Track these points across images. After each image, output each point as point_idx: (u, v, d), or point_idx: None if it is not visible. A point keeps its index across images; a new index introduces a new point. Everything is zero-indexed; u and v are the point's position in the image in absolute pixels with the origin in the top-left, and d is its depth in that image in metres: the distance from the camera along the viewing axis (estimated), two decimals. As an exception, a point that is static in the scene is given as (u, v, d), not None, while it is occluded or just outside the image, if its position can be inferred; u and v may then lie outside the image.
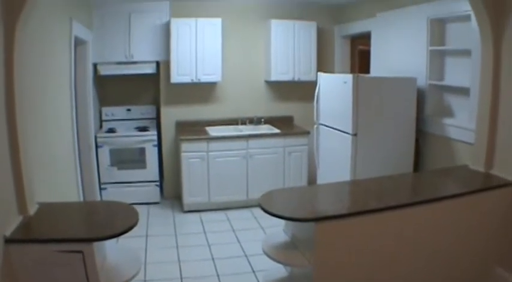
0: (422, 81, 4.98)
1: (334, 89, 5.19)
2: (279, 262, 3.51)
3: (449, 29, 4.84)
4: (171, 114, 6.64)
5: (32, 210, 2.97)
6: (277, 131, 6.45)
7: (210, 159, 6.06)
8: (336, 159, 5.22)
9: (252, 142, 6.19)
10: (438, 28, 4.88)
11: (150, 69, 6.40)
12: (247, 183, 6.23)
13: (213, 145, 6.06)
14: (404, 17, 5.27)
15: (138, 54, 6.29)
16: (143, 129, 6.57)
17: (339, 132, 5.08)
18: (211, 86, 6.68)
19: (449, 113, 4.89)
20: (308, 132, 6.43)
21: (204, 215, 6.01)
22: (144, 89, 6.94)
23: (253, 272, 4.38)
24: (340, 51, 7.14)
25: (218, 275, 4.32)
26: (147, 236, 5.27)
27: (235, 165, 6.16)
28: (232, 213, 6.06)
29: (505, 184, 3.73)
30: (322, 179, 5.66)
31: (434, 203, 3.44)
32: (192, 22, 6.18)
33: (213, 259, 4.67)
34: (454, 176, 4.18)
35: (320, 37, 6.85)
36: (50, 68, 4.01)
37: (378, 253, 3.34)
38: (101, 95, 6.68)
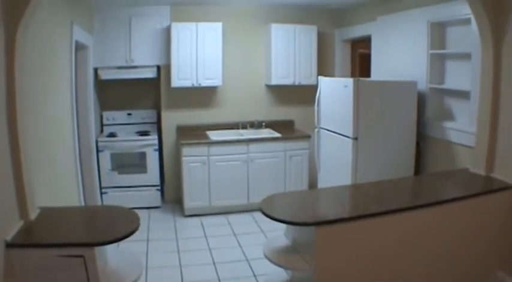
0: (422, 84, 4.99)
1: (335, 93, 5.19)
2: (280, 266, 3.50)
3: (450, 33, 4.85)
4: (171, 119, 6.64)
5: (33, 214, 2.97)
6: (278, 135, 6.45)
7: (211, 164, 6.06)
8: (336, 163, 5.22)
9: (253, 146, 6.19)
10: (438, 32, 4.88)
11: (150, 73, 6.40)
12: (248, 187, 6.23)
13: (214, 149, 6.06)
14: (404, 20, 5.28)
15: (139, 58, 6.29)
16: (144, 133, 6.57)
17: (340, 136, 5.08)
18: (211, 90, 6.68)
19: (449, 116, 4.90)
20: (309, 136, 6.43)
21: (205, 219, 6.01)
22: (144, 94, 6.95)
23: (255, 276, 4.37)
24: (341, 55, 7.15)
25: (219, 279, 4.31)
26: (148, 240, 5.27)
27: (236, 169, 6.16)
28: (233, 218, 6.05)
29: (506, 187, 3.73)
30: (323, 183, 5.65)
31: (435, 206, 3.43)
32: (192, 26, 6.19)
33: (214, 263, 4.66)
34: (454, 179, 4.18)
35: (320, 41, 6.85)
36: (50, 72, 4.02)
37: (379, 257, 3.34)
38: (102, 100, 6.69)
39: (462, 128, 4.53)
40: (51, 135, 3.97)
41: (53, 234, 2.86)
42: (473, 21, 4.04)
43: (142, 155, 6.35)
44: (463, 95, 4.58)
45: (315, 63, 6.76)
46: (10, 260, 2.60)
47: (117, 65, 6.27)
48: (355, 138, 4.81)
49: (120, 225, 3.02)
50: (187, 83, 6.29)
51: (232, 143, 6.14)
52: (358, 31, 6.49)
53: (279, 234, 3.87)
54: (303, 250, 3.41)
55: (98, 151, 6.10)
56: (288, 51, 6.61)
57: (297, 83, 6.70)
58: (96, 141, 6.08)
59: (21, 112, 2.81)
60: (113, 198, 6.18)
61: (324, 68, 6.96)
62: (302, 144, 6.44)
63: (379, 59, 5.94)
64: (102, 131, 6.67)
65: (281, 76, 6.64)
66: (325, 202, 3.81)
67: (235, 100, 6.83)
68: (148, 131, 6.68)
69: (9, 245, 2.60)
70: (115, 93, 6.78)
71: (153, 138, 6.39)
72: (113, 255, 3.26)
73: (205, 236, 5.42)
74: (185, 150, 5.98)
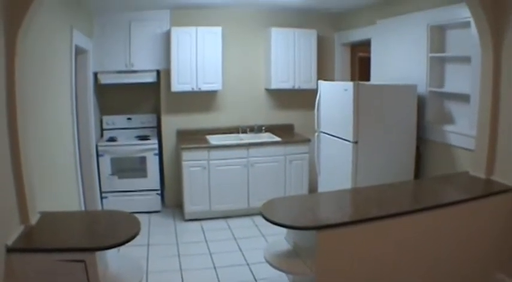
0: (422, 88, 4.99)
1: (335, 96, 5.20)
2: (281, 270, 3.50)
3: (449, 36, 4.86)
4: (171, 123, 6.64)
5: (34, 219, 2.97)
6: (277, 139, 6.45)
7: (211, 168, 6.05)
8: (336, 167, 5.22)
9: (253, 150, 6.19)
10: (438, 35, 4.89)
11: (150, 78, 6.41)
12: (248, 191, 6.22)
13: (214, 154, 6.05)
14: (404, 24, 5.29)
15: (139, 63, 6.30)
16: (144, 138, 6.57)
17: (340, 140, 5.08)
18: (211, 94, 6.69)
19: (449, 119, 4.90)
20: (309, 140, 6.43)
21: (205, 223, 6.00)
22: (144, 98, 6.95)
23: (255, 280, 4.36)
24: (340, 59, 7.16)
25: (220, 284, 4.32)
26: (148, 244, 5.26)
27: (236, 173, 6.15)
28: (233, 222, 6.05)
29: (506, 190, 3.73)
30: (323, 187, 5.65)
31: (436, 210, 3.44)
32: (192, 31, 6.20)
33: (214, 268, 4.65)
34: (454, 182, 4.18)
35: (320, 45, 6.86)
36: (50, 76, 4.01)
37: (380, 260, 3.33)
38: (102, 104, 6.69)
39: (462, 131, 4.54)
40: (51, 140, 3.96)
41: (54, 238, 2.86)
42: (472, 24, 4.05)
43: (143, 160, 6.34)
44: (463, 98, 4.58)
45: (314, 67, 6.76)
46: (11, 264, 2.59)
47: (117, 70, 6.26)
48: (355, 142, 4.81)
49: (120, 230, 3.02)
50: (187, 88, 6.29)
51: (232, 147, 6.14)
52: (357, 35, 6.50)
53: (279, 238, 3.86)
54: (304, 254, 3.41)
55: (98, 155, 6.09)
56: (287, 55, 6.62)
57: (296, 87, 6.71)
58: (96, 146, 6.08)
59: (21, 116, 2.81)
60: (113, 203, 6.17)
61: (323, 71, 6.97)
62: (302, 148, 6.43)
63: (379, 63, 5.94)
64: (102, 135, 6.67)
65: (281, 80, 6.64)
66: (325, 206, 3.81)
67: (235, 104, 6.83)
68: (148, 136, 6.68)
69: (10, 250, 2.59)
70: (115, 97, 6.78)
71: (153, 143, 6.39)
72: (113, 260, 3.25)
73: (206, 240, 5.42)
74: (185, 155, 5.97)
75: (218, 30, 6.32)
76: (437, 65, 4.95)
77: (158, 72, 6.47)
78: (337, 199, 3.90)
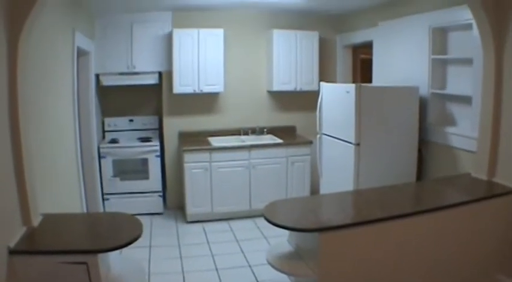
0: (424, 90, 4.99)
1: (337, 98, 5.20)
2: (283, 272, 3.50)
3: (451, 38, 4.85)
4: (173, 125, 6.65)
5: (36, 221, 2.97)
6: (279, 141, 6.45)
7: (213, 170, 6.05)
8: (338, 168, 5.21)
9: (255, 152, 6.19)
10: (440, 37, 4.89)
11: (152, 79, 6.42)
12: (250, 193, 6.22)
13: (216, 155, 6.06)
14: (406, 26, 5.29)
15: (140, 64, 6.31)
16: (146, 139, 6.57)
17: (342, 141, 5.08)
18: (213, 96, 6.69)
19: (451, 121, 4.89)
20: (311, 142, 6.42)
21: (207, 225, 6.00)
22: (146, 100, 6.96)
23: (257, 282, 4.37)
24: (342, 61, 7.16)
25: (222, 286, 4.32)
26: (150, 246, 5.26)
27: (238, 175, 6.15)
28: (235, 224, 6.05)
29: (508, 192, 3.73)
30: (325, 188, 5.65)
31: (438, 211, 3.44)
32: (194, 32, 6.20)
33: (216, 269, 4.65)
34: (456, 184, 4.17)
35: (322, 47, 6.86)
36: (52, 78, 4.02)
37: (382, 262, 3.33)
38: (104, 106, 6.70)
39: (464, 133, 4.53)
40: (53, 142, 3.97)
41: (56, 241, 2.86)
42: (474, 26, 4.05)
43: (144, 161, 6.35)
44: (465, 100, 4.58)
45: (316, 69, 6.76)
46: (13, 266, 2.59)
47: (119, 71, 6.28)
48: (357, 144, 4.81)
49: (123, 232, 3.02)
50: (189, 89, 6.29)
51: (234, 149, 6.14)
52: (359, 37, 6.50)
53: (282, 240, 3.86)
54: (306, 256, 3.41)
55: (99, 157, 6.09)
56: (289, 57, 6.62)
57: (298, 89, 6.71)
58: (98, 148, 6.08)
59: (23, 118, 2.82)
60: (115, 205, 6.18)
61: (325, 73, 6.97)
62: (304, 150, 6.43)
63: (381, 65, 5.94)
64: (103, 137, 6.68)
65: (283, 82, 6.64)
66: (327, 208, 3.81)
67: (237, 106, 6.84)
68: (150, 137, 6.68)
69: (12, 252, 2.59)
70: (117, 99, 6.80)
71: (155, 145, 6.39)
72: (115, 262, 3.26)
73: (208, 242, 5.41)
74: (187, 157, 5.97)
75: (220, 32, 6.32)
76: (439, 67, 4.95)
77: (160, 74, 6.48)
78: (339, 201, 3.90)
